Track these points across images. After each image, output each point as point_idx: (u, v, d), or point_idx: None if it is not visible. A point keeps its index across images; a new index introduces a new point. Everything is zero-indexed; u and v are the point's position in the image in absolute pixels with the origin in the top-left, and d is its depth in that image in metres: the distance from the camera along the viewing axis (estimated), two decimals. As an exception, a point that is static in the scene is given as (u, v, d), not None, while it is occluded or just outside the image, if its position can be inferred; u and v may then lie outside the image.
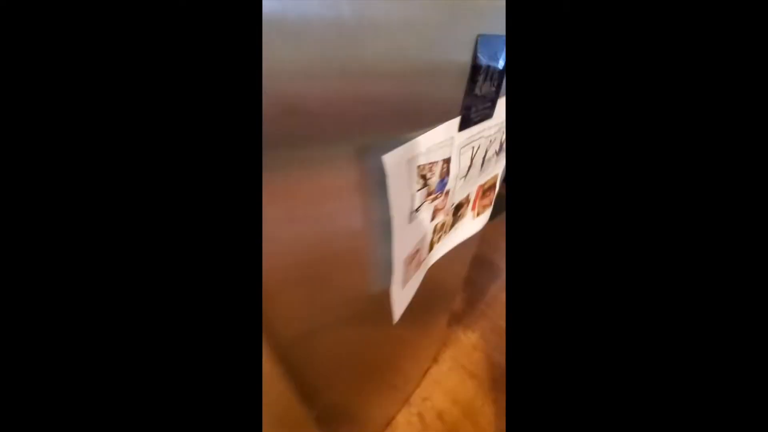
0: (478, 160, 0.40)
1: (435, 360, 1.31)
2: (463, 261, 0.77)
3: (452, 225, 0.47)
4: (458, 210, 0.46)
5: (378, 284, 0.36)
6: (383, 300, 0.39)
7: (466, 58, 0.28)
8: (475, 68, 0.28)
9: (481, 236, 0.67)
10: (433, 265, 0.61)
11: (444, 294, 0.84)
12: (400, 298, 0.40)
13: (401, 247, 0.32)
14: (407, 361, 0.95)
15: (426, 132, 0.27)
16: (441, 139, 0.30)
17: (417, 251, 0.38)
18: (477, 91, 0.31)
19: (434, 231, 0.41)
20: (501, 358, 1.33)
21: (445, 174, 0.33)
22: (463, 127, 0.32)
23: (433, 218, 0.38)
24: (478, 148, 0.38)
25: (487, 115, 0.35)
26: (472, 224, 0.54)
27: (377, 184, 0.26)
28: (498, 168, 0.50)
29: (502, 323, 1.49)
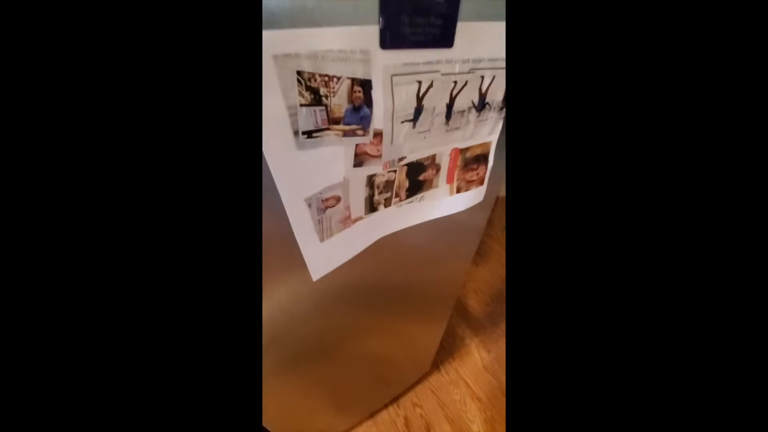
0: (435, 104, 0.33)
1: (437, 367, 1.20)
2: (463, 252, 0.67)
3: (412, 191, 0.40)
4: (418, 172, 0.38)
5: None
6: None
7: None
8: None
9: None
10: (421, 256, 0.54)
11: (443, 287, 0.74)
12: (318, 253, 0.35)
13: (289, 177, 0.27)
14: (399, 353, 0.88)
15: (310, 28, 0.22)
16: (342, 47, 0.24)
17: (336, 199, 0.32)
18: (404, -8, 0.24)
19: (373, 186, 0.35)
20: (515, 388, 1.15)
21: (359, 101, 0.27)
22: (390, 44, 0.26)
23: (358, 164, 0.32)
24: (430, 86, 0.31)
25: (436, 37, 0.28)
26: (449, 201, 0.45)
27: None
28: (487, 134, 0.40)
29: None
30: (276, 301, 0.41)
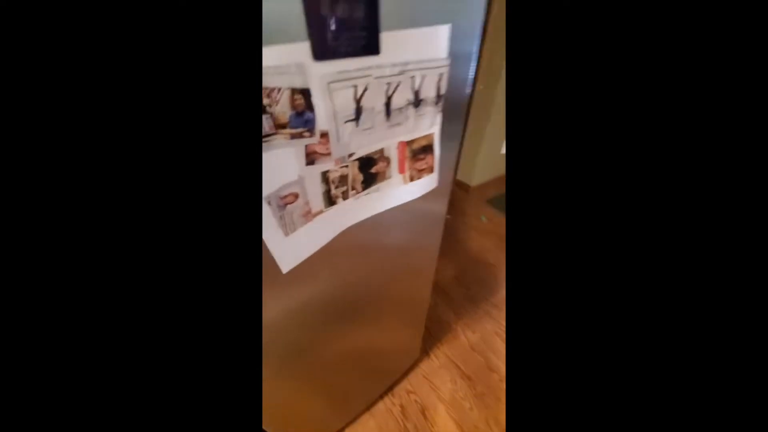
0: (373, 104, 0.37)
1: (426, 353, 1.25)
2: (431, 240, 0.72)
3: (367, 183, 0.44)
4: (369, 166, 0.43)
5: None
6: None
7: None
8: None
9: (492, 232, 0.62)
10: (393, 251, 0.59)
11: (418, 276, 0.79)
12: (283, 247, 0.39)
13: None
14: (387, 345, 0.92)
15: (247, 49, 0.26)
16: (278, 63, 0.28)
17: (294, 196, 0.36)
18: (324, 11, 0.28)
19: (328, 181, 0.39)
20: (500, 363, 1.21)
21: (301, 107, 0.31)
22: (321, 56, 0.30)
23: (311, 162, 0.36)
24: (366, 89, 0.35)
25: (364, 47, 0.32)
26: (404, 189, 0.50)
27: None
28: (428, 126, 0.45)
29: (507, 327, 1.36)
30: (265, 305, 0.44)
